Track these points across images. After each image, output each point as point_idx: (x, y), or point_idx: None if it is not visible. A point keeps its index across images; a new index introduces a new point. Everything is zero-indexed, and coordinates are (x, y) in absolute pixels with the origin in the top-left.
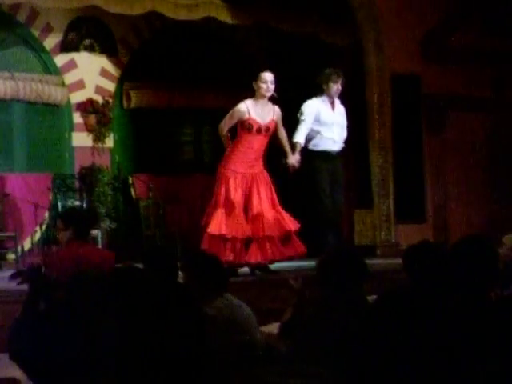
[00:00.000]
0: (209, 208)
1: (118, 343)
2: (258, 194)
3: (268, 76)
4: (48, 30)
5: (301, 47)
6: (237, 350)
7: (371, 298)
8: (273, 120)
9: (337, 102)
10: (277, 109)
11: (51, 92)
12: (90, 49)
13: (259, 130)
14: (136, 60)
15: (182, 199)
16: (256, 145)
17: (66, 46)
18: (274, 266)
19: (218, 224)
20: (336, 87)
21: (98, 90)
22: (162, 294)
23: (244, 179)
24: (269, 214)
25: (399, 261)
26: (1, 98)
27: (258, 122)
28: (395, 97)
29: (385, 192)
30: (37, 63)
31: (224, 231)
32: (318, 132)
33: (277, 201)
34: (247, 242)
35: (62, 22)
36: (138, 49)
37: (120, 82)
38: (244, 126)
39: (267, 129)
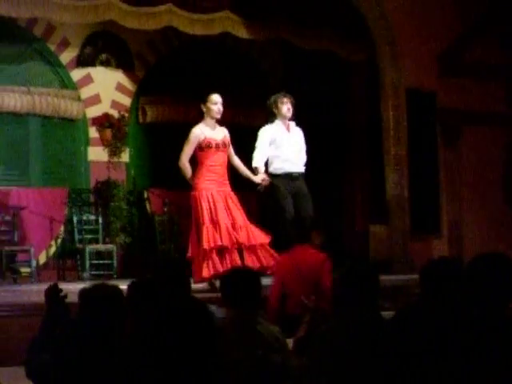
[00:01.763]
0: (191, 236)
1: (132, 357)
2: (235, 207)
3: (218, 97)
4: (64, 44)
5: (316, 63)
6: (262, 366)
7: (386, 313)
8: (225, 136)
9: (292, 124)
10: (225, 130)
11: (67, 106)
12: (106, 63)
13: (218, 146)
14: (152, 75)
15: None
16: (219, 160)
17: (82, 61)
18: None
19: (211, 238)
20: (286, 107)
21: (114, 104)
22: (173, 308)
23: (218, 195)
24: (250, 225)
25: (414, 276)
26: (17, 112)
27: (214, 139)
28: (411, 112)
29: (400, 207)
30: (53, 78)
31: (219, 242)
32: (277, 156)
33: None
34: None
35: (79, 37)
36: (154, 64)
37: (136, 96)
38: (204, 147)
39: (224, 144)
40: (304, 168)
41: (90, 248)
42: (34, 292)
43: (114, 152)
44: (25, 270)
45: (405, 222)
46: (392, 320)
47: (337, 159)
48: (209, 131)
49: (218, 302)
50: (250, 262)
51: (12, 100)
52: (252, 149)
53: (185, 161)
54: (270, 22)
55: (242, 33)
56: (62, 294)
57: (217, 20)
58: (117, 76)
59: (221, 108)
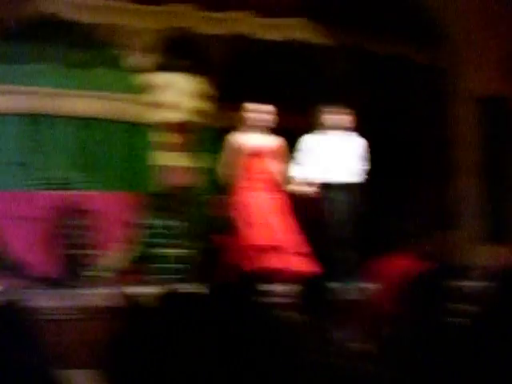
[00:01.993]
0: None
1: (202, 363)
2: (280, 212)
3: (253, 106)
4: (139, 49)
5: (387, 69)
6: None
7: (456, 320)
8: (272, 144)
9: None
10: (277, 139)
11: (139, 112)
12: (182, 69)
13: (256, 153)
14: (227, 80)
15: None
16: (260, 167)
17: (157, 67)
18: None
19: (255, 235)
20: (330, 118)
21: (190, 110)
22: (241, 314)
23: (263, 200)
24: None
25: (486, 283)
26: (90, 117)
27: (250, 145)
28: (482, 119)
29: (472, 214)
30: (126, 83)
31: (261, 241)
32: (318, 164)
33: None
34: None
35: (151, 42)
36: (229, 69)
37: (212, 102)
38: (241, 152)
39: (259, 153)
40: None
41: (164, 253)
42: (109, 296)
43: (190, 157)
44: (100, 273)
45: (475, 229)
46: (462, 326)
47: (407, 166)
48: (248, 138)
49: (294, 309)
50: (282, 264)
51: (80, 105)
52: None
53: (224, 168)
54: (342, 28)
55: (310, 38)
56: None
57: (289, 26)
58: (192, 81)
59: (257, 117)
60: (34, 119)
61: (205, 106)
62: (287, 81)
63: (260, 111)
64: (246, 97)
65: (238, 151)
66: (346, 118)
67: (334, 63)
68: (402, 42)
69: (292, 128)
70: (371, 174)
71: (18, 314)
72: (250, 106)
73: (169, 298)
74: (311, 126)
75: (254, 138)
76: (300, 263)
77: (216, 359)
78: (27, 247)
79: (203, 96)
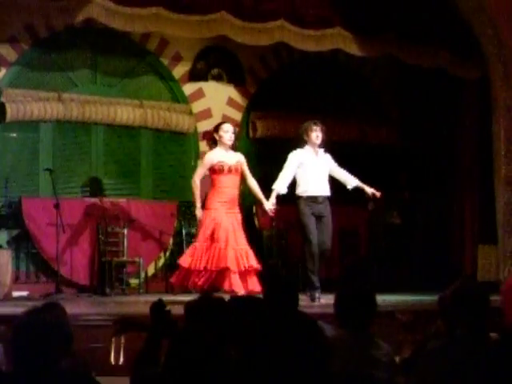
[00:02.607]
0: (191, 248)
1: (239, 372)
2: (239, 230)
3: (229, 127)
4: (177, 58)
5: (429, 80)
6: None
7: (493, 335)
8: (238, 162)
9: (320, 151)
10: (240, 155)
11: (179, 120)
12: (218, 78)
13: (230, 170)
14: (263, 90)
15: None
16: (230, 183)
17: (194, 75)
18: None
19: (194, 259)
20: (315, 135)
21: (225, 118)
22: (282, 324)
23: (226, 216)
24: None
25: None
26: (129, 126)
27: (226, 163)
28: None
29: (510, 228)
30: (165, 91)
31: (197, 266)
32: (303, 179)
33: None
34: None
35: (191, 51)
36: (266, 79)
37: (247, 111)
38: (216, 169)
39: (236, 168)
40: (329, 192)
41: None
42: (141, 303)
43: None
44: (133, 281)
45: None
46: (499, 342)
47: (447, 178)
48: (222, 156)
49: (327, 320)
50: (237, 285)
51: (125, 113)
52: (363, 166)
53: (196, 179)
54: (382, 39)
55: (353, 49)
56: (167, 309)
57: (328, 36)
58: (228, 91)
59: (232, 136)
60: (70, 126)
61: (239, 115)
62: (324, 91)
63: (232, 131)
64: (282, 107)
65: (215, 167)
66: (323, 135)
67: (372, 75)
68: (441, 53)
69: (336, 138)
70: (410, 186)
71: (57, 316)
72: (226, 126)
73: (197, 304)
74: (356, 136)
75: (224, 155)
76: (253, 283)
77: (256, 370)
78: (60, 254)
79: (238, 105)
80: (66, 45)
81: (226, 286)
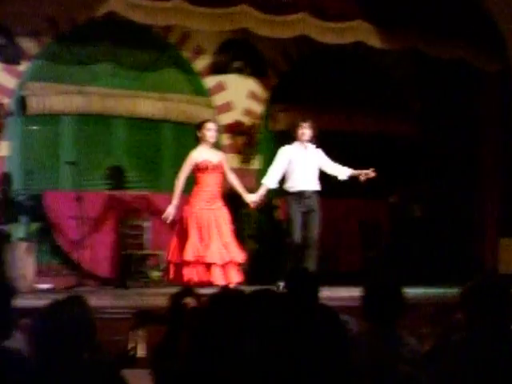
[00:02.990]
0: (172, 242)
1: (259, 364)
2: (224, 224)
3: (212, 125)
4: (198, 51)
5: (450, 72)
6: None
7: None
8: (220, 161)
9: (310, 146)
10: (221, 154)
11: (200, 113)
12: (239, 71)
13: (213, 168)
14: (284, 83)
15: (326, 222)
16: (213, 181)
17: (215, 68)
18: None
19: (178, 252)
20: (301, 131)
21: (246, 111)
22: (303, 316)
23: (208, 212)
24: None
25: None
26: (150, 118)
27: (210, 162)
28: None
29: None
30: (186, 85)
31: (185, 257)
32: (291, 174)
33: (231, 234)
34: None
35: (213, 44)
36: (287, 71)
37: (268, 104)
38: (200, 168)
39: (219, 166)
40: (317, 185)
41: None
42: (163, 296)
43: (246, 159)
44: (155, 274)
45: None
46: None
47: (468, 170)
48: (205, 154)
49: (350, 313)
50: (217, 277)
51: (145, 106)
52: (386, 157)
53: (181, 176)
54: (403, 32)
55: (374, 42)
56: (185, 301)
57: (349, 29)
58: (249, 83)
59: (214, 134)
60: (92, 119)
61: (260, 108)
62: (344, 84)
63: (215, 129)
64: (303, 99)
65: (199, 165)
66: (312, 131)
67: (393, 67)
68: (463, 46)
69: (357, 130)
70: (431, 179)
71: (79, 309)
72: (209, 124)
73: (218, 297)
74: (376, 128)
75: (207, 153)
76: (234, 276)
77: (280, 361)
78: (82, 246)
79: (259, 98)
80: (87, 38)
81: (208, 278)
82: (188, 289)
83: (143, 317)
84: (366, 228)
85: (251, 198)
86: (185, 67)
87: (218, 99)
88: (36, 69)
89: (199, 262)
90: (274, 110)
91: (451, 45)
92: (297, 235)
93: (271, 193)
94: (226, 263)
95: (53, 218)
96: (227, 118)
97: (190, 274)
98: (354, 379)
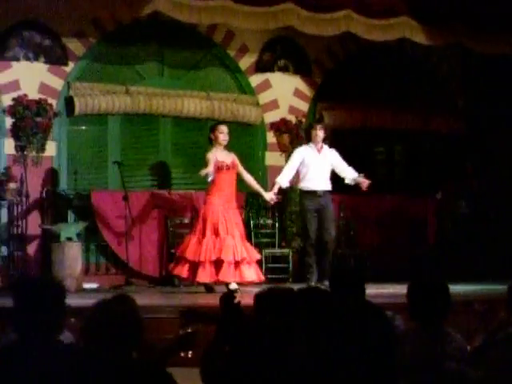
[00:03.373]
0: (188, 238)
1: (308, 362)
2: (238, 223)
3: (224, 128)
4: (243, 50)
5: (496, 67)
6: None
7: None
8: (233, 161)
9: (325, 147)
10: (233, 154)
11: (246, 112)
12: (284, 69)
13: (228, 168)
14: (329, 80)
15: (372, 219)
16: (228, 181)
17: (260, 67)
18: None
19: (192, 250)
20: (315, 133)
21: (292, 109)
22: (349, 313)
23: (224, 210)
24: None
25: None
26: (196, 118)
27: (225, 162)
28: None
29: None
30: (232, 83)
31: (196, 257)
32: (304, 174)
33: (244, 233)
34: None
35: (258, 43)
36: (332, 69)
37: (313, 102)
38: (217, 168)
39: (233, 165)
40: (329, 187)
41: (266, 252)
42: (210, 294)
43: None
44: None
45: None
46: None
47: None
48: (220, 155)
49: (397, 310)
50: (230, 275)
51: (192, 105)
52: (432, 154)
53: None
54: (448, 28)
55: (420, 38)
56: (236, 301)
57: (395, 26)
58: (294, 81)
59: (226, 137)
60: (138, 119)
61: (306, 106)
62: (390, 81)
63: (227, 132)
64: (349, 97)
65: (216, 165)
66: (325, 132)
67: (438, 63)
68: (508, 41)
69: (403, 127)
70: (478, 175)
71: (126, 308)
72: (222, 127)
73: (266, 295)
74: (422, 124)
75: (221, 154)
76: (251, 273)
77: (323, 360)
78: (129, 246)
79: (304, 96)
80: (132, 38)
81: (220, 277)
82: (233, 290)
83: (191, 315)
84: (413, 225)
85: (268, 196)
86: (230, 66)
87: (264, 97)
88: (82, 69)
89: (213, 261)
90: (319, 108)
91: (496, 40)
92: (313, 235)
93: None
94: (240, 261)
95: (100, 217)
96: (273, 116)
97: (204, 274)
98: (400, 377)
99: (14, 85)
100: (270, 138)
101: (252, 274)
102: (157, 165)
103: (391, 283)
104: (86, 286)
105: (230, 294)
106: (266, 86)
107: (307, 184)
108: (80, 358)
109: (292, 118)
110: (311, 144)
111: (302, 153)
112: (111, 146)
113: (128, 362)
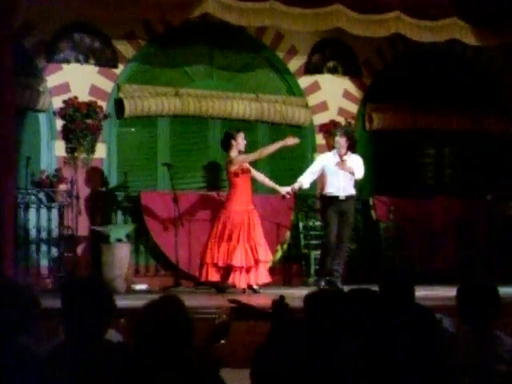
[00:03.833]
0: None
1: (359, 362)
2: (256, 225)
3: (243, 135)
4: (292, 52)
5: None
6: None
7: None
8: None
9: (350, 154)
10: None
11: (295, 113)
12: (334, 71)
13: (244, 171)
14: (379, 82)
15: (421, 221)
16: (246, 183)
17: (309, 68)
18: None
19: (211, 254)
20: (335, 140)
21: (341, 111)
22: (398, 316)
23: (243, 214)
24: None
25: None
26: (246, 119)
27: (245, 166)
28: None
29: None
30: (281, 85)
31: (215, 260)
32: (326, 181)
33: (262, 234)
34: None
35: (306, 45)
36: (381, 70)
37: (362, 103)
38: (239, 172)
39: (247, 170)
40: (350, 192)
41: (315, 253)
42: (259, 296)
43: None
44: None
45: None
46: None
47: None
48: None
49: (446, 312)
50: (240, 280)
51: (241, 107)
52: (483, 155)
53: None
54: (498, 29)
55: (470, 40)
56: (287, 306)
57: (445, 27)
58: (344, 83)
59: (244, 143)
60: (187, 121)
61: (355, 107)
62: (439, 82)
63: (244, 138)
64: (398, 98)
65: (238, 169)
66: (346, 140)
67: (488, 64)
68: None
69: (452, 128)
70: None
71: (175, 309)
72: (242, 133)
73: (316, 298)
74: (472, 125)
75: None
76: (261, 276)
77: (373, 361)
78: (178, 247)
79: (354, 98)
80: (182, 40)
81: (229, 281)
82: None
83: (240, 311)
84: (462, 226)
85: (284, 190)
86: (279, 68)
87: (313, 99)
88: (132, 71)
89: (226, 264)
90: (368, 109)
91: None
92: (333, 237)
93: (366, 191)
94: (251, 266)
95: (150, 218)
96: (322, 118)
97: (218, 276)
98: (451, 380)
99: (65, 87)
100: (320, 139)
101: (263, 276)
102: (206, 166)
103: (441, 285)
104: (136, 287)
105: (282, 297)
106: (315, 87)
107: (329, 190)
108: (130, 357)
109: (341, 120)
110: (335, 151)
111: (323, 160)
112: (161, 147)
113: (178, 363)
